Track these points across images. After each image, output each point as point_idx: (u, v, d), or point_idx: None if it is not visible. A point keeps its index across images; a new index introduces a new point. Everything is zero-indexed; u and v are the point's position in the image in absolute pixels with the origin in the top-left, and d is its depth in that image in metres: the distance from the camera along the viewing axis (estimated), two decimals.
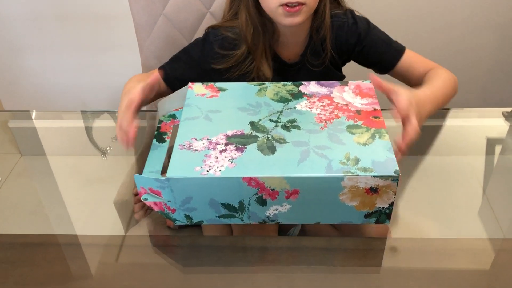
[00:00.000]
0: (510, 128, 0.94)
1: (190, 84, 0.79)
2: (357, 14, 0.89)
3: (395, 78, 0.90)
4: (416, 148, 0.67)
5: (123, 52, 1.57)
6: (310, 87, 0.77)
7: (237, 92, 0.77)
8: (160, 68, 0.89)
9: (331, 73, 0.92)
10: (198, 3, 1.03)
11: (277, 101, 0.74)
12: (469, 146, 0.92)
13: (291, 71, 0.90)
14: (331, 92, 0.75)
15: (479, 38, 1.54)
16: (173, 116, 0.77)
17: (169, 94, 0.91)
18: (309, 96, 0.75)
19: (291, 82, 0.79)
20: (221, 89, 0.77)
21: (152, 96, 0.81)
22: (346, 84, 0.77)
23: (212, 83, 0.79)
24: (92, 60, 1.61)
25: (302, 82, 0.78)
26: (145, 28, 1.04)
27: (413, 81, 0.87)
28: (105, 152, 0.92)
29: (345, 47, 0.89)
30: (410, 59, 0.87)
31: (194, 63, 0.88)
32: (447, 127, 0.96)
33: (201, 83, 0.79)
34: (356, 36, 0.87)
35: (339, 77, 0.95)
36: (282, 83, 0.78)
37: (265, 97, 0.75)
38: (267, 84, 0.78)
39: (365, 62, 0.91)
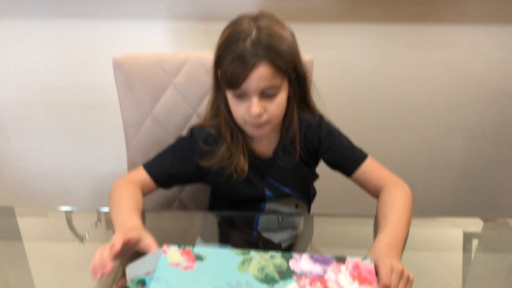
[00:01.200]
0: (484, 224, 0.96)
1: (165, 247, 0.69)
2: (326, 121, 0.96)
3: (357, 184, 0.95)
4: None
5: (109, 141, 1.60)
6: (302, 262, 0.67)
7: (217, 263, 0.66)
8: (145, 165, 0.93)
9: (303, 170, 0.97)
10: (185, 105, 1.09)
11: (261, 281, 0.63)
12: (446, 241, 0.93)
13: (265, 166, 0.95)
14: (325, 272, 0.65)
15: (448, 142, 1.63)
16: (141, 282, 0.65)
17: (154, 191, 0.93)
18: (299, 276, 0.64)
19: (280, 253, 0.68)
20: (198, 258, 0.67)
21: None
22: (343, 262, 0.67)
23: (190, 248, 0.69)
24: (78, 147, 1.64)
25: (293, 254, 0.68)
26: (133, 127, 1.08)
27: (370, 188, 0.92)
28: (83, 239, 0.90)
29: (311, 145, 0.95)
30: (370, 167, 0.92)
31: (181, 157, 0.93)
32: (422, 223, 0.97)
33: (177, 246, 0.69)
34: (318, 138, 0.94)
35: (312, 175, 1.01)
36: (270, 254, 0.68)
37: (248, 273, 0.64)
38: (252, 253, 0.68)
39: (330, 163, 0.97)
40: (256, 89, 0.81)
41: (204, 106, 1.09)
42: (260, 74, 0.80)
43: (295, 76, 0.87)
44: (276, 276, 0.64)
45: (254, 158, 0.94)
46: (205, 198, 1.10)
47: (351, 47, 1.48)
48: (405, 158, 1.66)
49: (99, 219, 0.96)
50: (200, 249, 0.68)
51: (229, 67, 0.80)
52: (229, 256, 0.67)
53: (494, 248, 0.90)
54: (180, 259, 0.66)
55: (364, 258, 0.68)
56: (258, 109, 0.82)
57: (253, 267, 0.65)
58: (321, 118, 0.96)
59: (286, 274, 0.64)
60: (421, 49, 1.49)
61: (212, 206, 1.06)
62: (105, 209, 0.93)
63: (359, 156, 0.94)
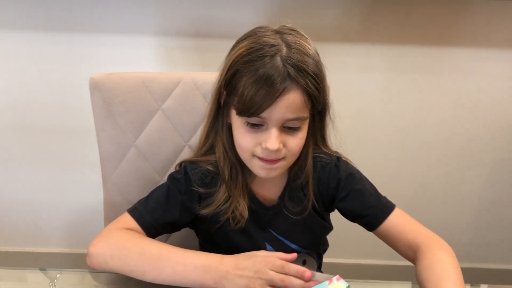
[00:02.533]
0: None
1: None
2: (344, 160, 0.82)
3: (381, 239, 0.79)
4: None
5: (86, 170, 1.46)
6: None
7: None
8: (132, 212, 0.77)
9: (314, 222, 0.82)
10: (176, 135, 0.92)
11: None
12: None
13: (268, 215, 0.80)
14: None
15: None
16: None
17: None
18: None
19: None
20: None
21: None
22: None
23: None
24: (50, 177, 1.49)
25: None
26: (112, 160, 0.91)
27: (400, 246, 0.77)
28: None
29: (326, 191, 0.81)
30: (399, 220, 0.77)
31: (177, 202, 0.78)
32: None
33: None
34: (337, 181, 0.79)
35: (324, 227, 0.85)
36: None
37: None
38: None
39: (349, 214, 0.81)
40: (280, 119, 0.67)
41: (198, 137, 0.92)
42: (290, 102, 0.66)
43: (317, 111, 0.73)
44: None
45: (255, 204, 0.79)
46: (195, 245, 0.92)
47: (361, 69, 1.35)
48: (416, 195, 1.52)
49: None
50: None
51: (250, 89, 0.65)
52: None
53: None
54: None
55: None
56: (277, 144, 0.67)
57: None
58: (338, 158, 0.81)
59: None
60: (437, 74, 1.38)
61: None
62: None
63: (386, 206, 0.78)
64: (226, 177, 0.77)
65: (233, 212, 0.76)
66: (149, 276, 0.69)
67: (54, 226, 1.57)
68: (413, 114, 1.41)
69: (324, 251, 0.91)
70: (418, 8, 1.29)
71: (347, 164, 0.81)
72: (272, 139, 0.67)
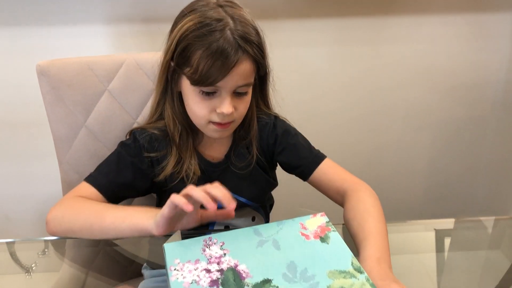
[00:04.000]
0: (456, 223, 0.92)
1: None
2: (281, 119, 0.89)
3: (315, 188, 0.87)
4: None
5: (46, 160, 1.43)
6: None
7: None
8: (88, 179, 0.82)
9: (259, 176, 0.89)
10: (124, 113, 0.97)
11: None
12: (419, 243, 0.89)
13: (216, 172, 0.86)
14: None
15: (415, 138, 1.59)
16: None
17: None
18: None
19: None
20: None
21: None
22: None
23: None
24: (11, 170, 1.49)
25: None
26: (64, 141, 0.96)
27: (331, 192, 0.84)
28: (30, 270, 0.82)
29: (266, 147, 0.88)
30: (329, 169, 0.85)
31: (128, 164, 0.83)
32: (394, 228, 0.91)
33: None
34: (274, 137, 0.87)
35: (269, 182, 0.92)
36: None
37: None
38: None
39: (286, 166, 0.89)
40: (233, 86, 0.74)
41: (145, 113, 0.98)
42: (242, 71, 0.72)
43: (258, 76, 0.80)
44: None
45: (204, 163, 0.85)
46: None
47: (308, 44, 1.41)
48: (370, 158, 1.60)
49: (46, 247, 0.86)
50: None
51: (205, 62, 0.70)
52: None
53: (467, 246, 0.89)
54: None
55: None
56: (231, 108, 0.74)
57: None
58: (276, 117, 0.89)
59: None
60: (382, 43, 1.44)
61: None
62: (51, 238, 0.82)
63: (317, 157, 0.86)
64: (177, 141, 0.82)
65: (186, 171, 0.82)
66: (95, 229, 0.72)
67: (25, 218, 1.58)
68: (358, 83, 1.47)
69: (271, 206, 0.98)
70: None
71: (284, 122, 0.89)
72: (226, 105, 0.73)
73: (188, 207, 0.61)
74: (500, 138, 1.60)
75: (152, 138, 0.84)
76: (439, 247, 0.87)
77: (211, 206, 0.60)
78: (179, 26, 0.74)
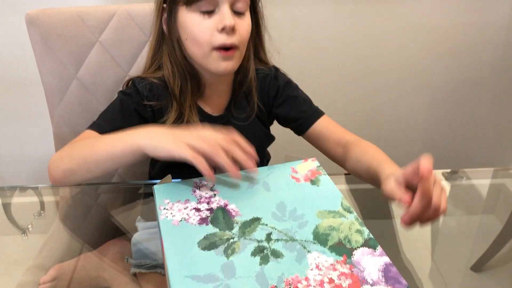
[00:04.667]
0: (451, 188, 0.91)
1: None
2: (282, 71, 0.89)
3: (311, 142, 0.86)
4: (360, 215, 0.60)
5: (39, 119, 1.41)
6: None
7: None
8: (93, 126, 0.78)
9: (258, 129, 0.88)
10: (115, 65, 0.96)
11: None
12: None
13: (217, 125, 0.84)
14: None
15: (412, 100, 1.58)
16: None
17: None
18: None
19: None
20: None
21: None
22: None
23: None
24: (4, 130, 1.48)
25: None
26: (56, 93, 0.95)
27: (330, 144, 0.83)
28: (26, 231, 0.81)
29: (267, 99, 0.87)
30: (330, 123, 0.85)
31: (132, 111, 0.80)
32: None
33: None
34: (276, 89, 0.86)
35: (267, 136, 0.91)
36: None
37: None
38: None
39: (283, 119, 0.88)
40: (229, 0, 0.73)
41: (137, 66, 0.97)
42: None
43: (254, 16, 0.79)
44: None
45: (203, 116, 0.84)
46: (145, 172, 0.98)
47: (304, 3, 1.38)
48: (366, 120, 1.59)
49: (42, 209, 0.86)
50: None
51: None
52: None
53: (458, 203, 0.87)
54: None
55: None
56: (232, 20, 0.72)
57: None
58: (276, 69, 0.88)
59: None
60: (381, 2, 1.40)
61: (153, 178, 0.94)
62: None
63: (317, 111, 0.86)
64: (177, 95, 0.80)
65: (187, 123, 0.80)
66: (90, 162, 0.68)
67: (20, 179, 1.58)
68: (357, 43, 1.45)
69: (268, 162, 0.99)
70: None
71: (285, 74, 0.88)
72: (226, 16, 0.71)
73: (212, 179, 0.61)
74: (497, 99, 1.60)
75: (153, 86, 0.81)
76: None
77: (236, 175, 0.60)
78: None
